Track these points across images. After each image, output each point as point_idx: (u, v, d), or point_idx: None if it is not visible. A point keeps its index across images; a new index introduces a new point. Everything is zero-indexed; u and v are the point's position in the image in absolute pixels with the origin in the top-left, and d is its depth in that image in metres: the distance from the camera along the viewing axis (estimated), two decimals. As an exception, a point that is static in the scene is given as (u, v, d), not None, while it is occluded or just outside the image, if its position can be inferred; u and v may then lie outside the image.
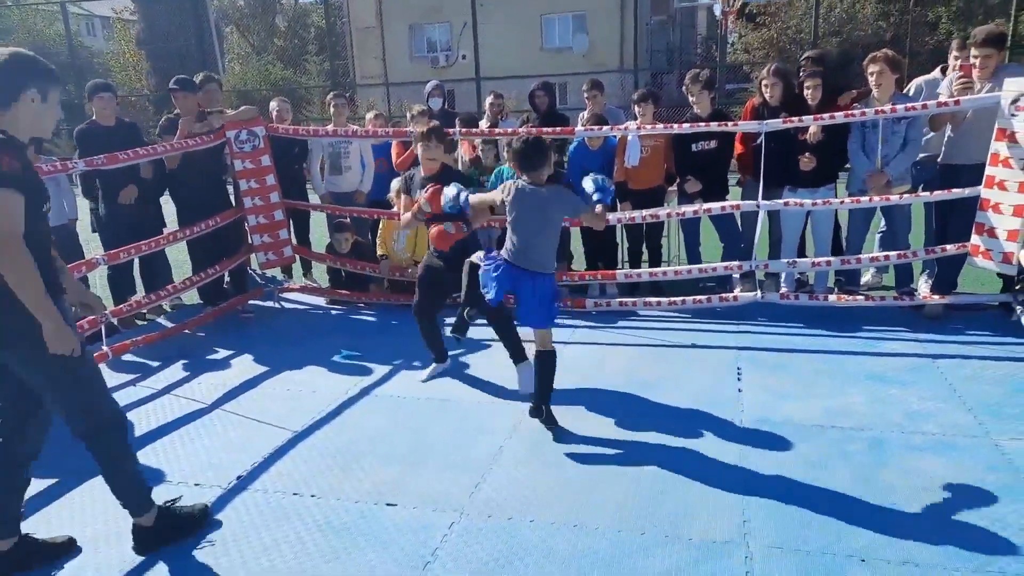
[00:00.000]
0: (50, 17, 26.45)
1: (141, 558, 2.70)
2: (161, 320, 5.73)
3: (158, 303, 5.36)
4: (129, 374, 4.57)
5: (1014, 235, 4.34)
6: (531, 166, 3.39)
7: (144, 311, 5.47)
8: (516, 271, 3.41)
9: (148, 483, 2.80)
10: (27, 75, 2.38)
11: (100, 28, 36.00)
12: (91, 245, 5.82)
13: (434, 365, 4.34)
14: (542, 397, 3.56)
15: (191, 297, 5.84)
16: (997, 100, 4.30)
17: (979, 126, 4.51)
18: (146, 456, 3.47)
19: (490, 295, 3.43)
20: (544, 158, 3.40)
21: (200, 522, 2.86)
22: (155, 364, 4.73)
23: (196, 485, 3.20)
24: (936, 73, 5.39)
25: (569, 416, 3.68)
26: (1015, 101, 4.22)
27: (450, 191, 3.61)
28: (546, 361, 3.52)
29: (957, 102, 4.48)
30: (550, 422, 3.56)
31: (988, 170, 4.40)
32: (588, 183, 3.51)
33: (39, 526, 2.89)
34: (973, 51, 4.54)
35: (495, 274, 3.41)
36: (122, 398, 4.19)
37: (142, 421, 3.90)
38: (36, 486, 3.00)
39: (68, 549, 2.77)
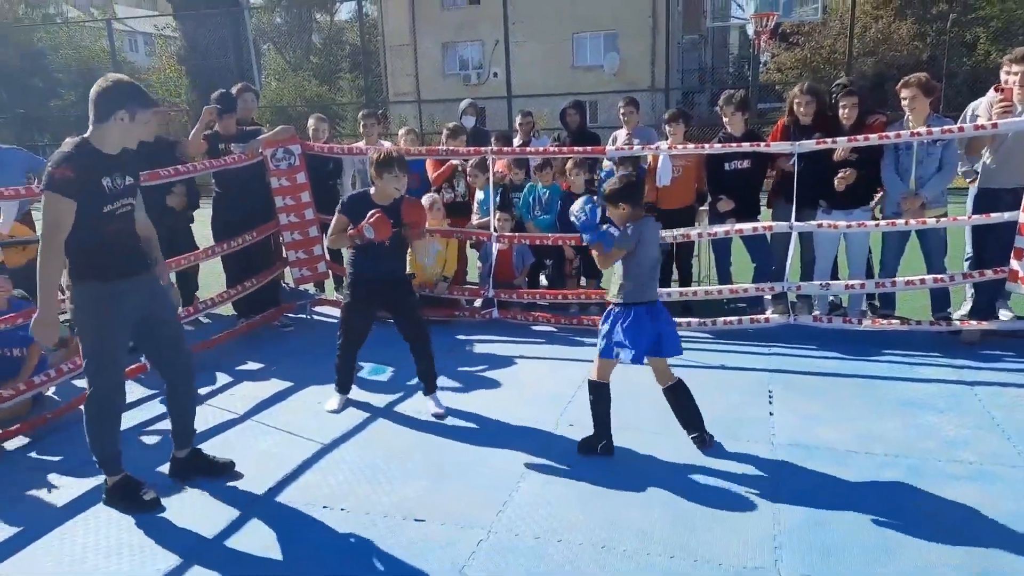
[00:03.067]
0: (96, 34, 27.31)
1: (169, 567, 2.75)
2: (193, 332, 5.83)
3: (196, 316, 5.46)
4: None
5: (1055, 261, 4.25)
6: (638, 199, 3.44)
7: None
8: (653, 308, 3.37)
9: (118, 451, 3.15)
10: (122, 98, 2.85)
11: (142, 44, 37.06)
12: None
13: (342, 396, 4.23)
14: (698, 424, 3.52)
15: (225, 309, 5.94)
16: (1039, 123, 4.23)
17: (1020, 149, 4.44)
18: (180, 465, 3.54)
19: (628, 356, 3.32)
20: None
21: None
22: (190, 374, 4.81)
23: (229, 496, 3.24)
24: (991, 94, 5.26)
25: (597, 436, 3.68)
26: (1057, 124, 4.15)
27: (583, 204, 3.37)
28: (683, 389, 3.51)
29: (995, 125, 4.42)
30: (705, 440, 3.51)
31: (1029, 195, 4.32)
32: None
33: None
34: (1013, 68, 4.47)
35: (630, 328, 3.31)
36: (156, 408, 4.29)
37: (177, 430, 3.97)
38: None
39: (229, 469, 3.38)
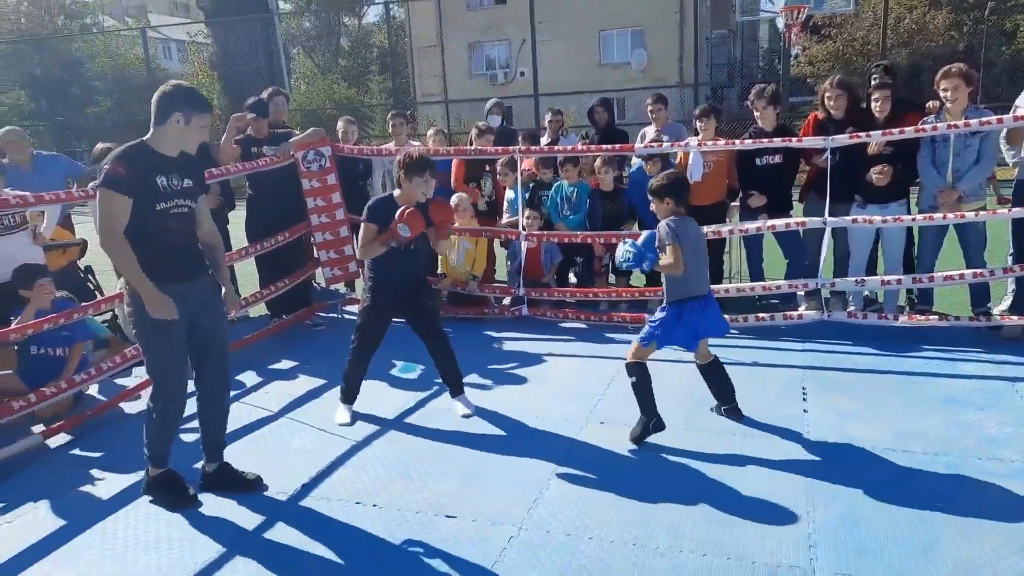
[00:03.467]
0: (131, 41, 27.90)
1: (205, 563, 2.80)
2: (230, 332, 5.93)
3: (234, 316, 5.54)
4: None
5: (1100, 254, 4.13)
6: (684, 197, 3.57)
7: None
8: (702, 301, 3.52)
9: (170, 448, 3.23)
10: (177, 102, 2.96)
11: (175, 51, 37.77)
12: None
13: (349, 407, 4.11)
14: (730, 398, 3.76)
15: (257, 310, 6.04)
16: (1081, 112, 4.12)
17: (1062, 140, 4.32)
18: (217, 462, 3.60)
19: (666, 342, 3.57)
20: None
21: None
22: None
23: (265, 491, 3.30)
24: None
25: (627, 435, 3.67)
26: (1101, 113, 4.03)
27: (627, 248, 3.50)
28: (718, 366, 3.75)
29: (1037, 115, 4.31)
30: (736, 412, 3.75)
31: (1071, 186, 4.21)
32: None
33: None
34: None
35: (670, 323, 3.50)
36: (192, 406, 4.35)
37: (213, 428, 4.04)
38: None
39: (257, 484, 3.29)
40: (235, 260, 5.39)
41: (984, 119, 4.47)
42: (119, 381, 4.69)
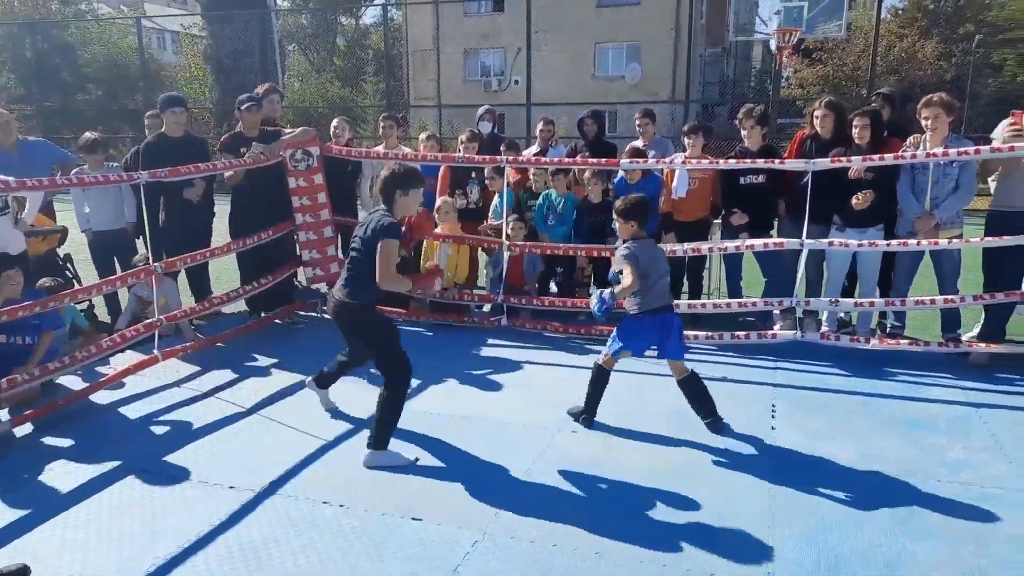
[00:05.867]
0: (124, 31, 27.72)
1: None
2: (204, 326, 5.91)
3: (211, 310, 5.53)
4: (177, 376, 4.74)
5: (1067, 286, 4.22)
6: (646, 220, 3.83)
7: (193, 319, 5.66)
8: (665, 315, 3.74)
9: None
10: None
11: (170, 42, 37.58)
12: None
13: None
14: (710, 410, 3.84)
15: (236, 306, 6.02)
16: (1054, 148, 4.21)
17: (1033, 173, 4.42)
18: (185, 455, 3.61)
19: (630, 350, 3.79)
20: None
21: None
22: (201, 368, 4.88)
23: (231, 488, 3.29)
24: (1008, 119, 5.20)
25: (599, 444, 3.70)
26: (1072, 149, 4.13)
27: (595, 300, 3.70)
28: (695, 380, 3.86)
29: (1012, 148, 4.40)
30: (717, 425, 3.84)
31: (1042, 218, 4.30)
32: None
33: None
34: None
35: (631, 332, 3.75)
36: (168, 398, 4.37)
37: (184, 422, 4.04)
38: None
39: None
40: (217, 256, 5.38)
41: (961, 148, 4.56)
42: (98, 370, 4.67)
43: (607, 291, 3.67)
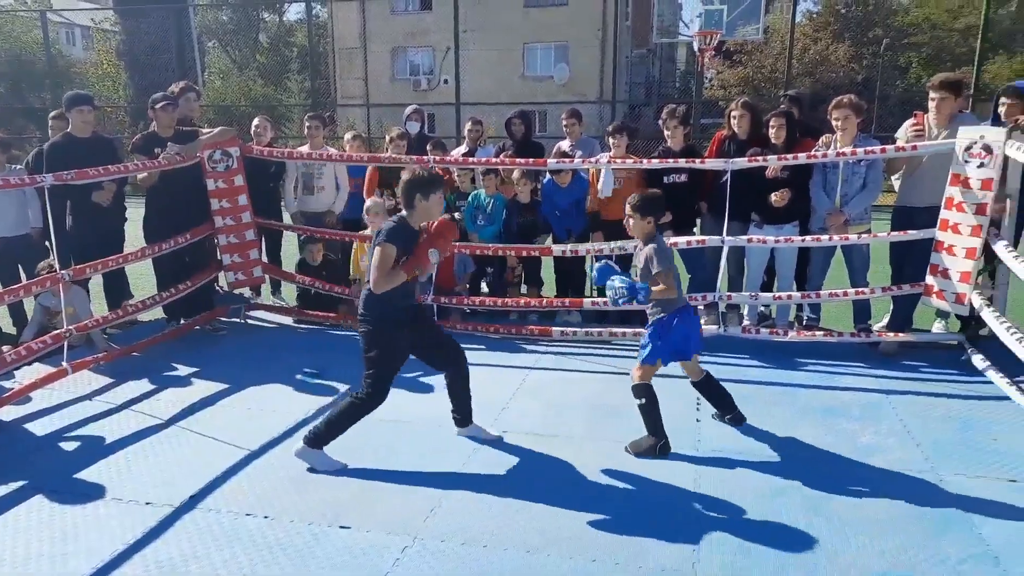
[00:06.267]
0: (29, 24, 26.25)
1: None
2: (120, 335, 5.66)
3: (126, 319, 5.30)
4: (88, 388, 4.51)
5: (967, 276, 4.48)
6: (661, 216, 3.76)
7: (107, 328, 5.40)
8: (690, 311, 3.69)
9: None
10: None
11: (80, 37, 35.81)
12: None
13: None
14: (731, 406, 3.91)
15: (154, 314, 5.78)
16: (952, 147, 4.46)
17: (933, 170, 4.67)
18: (98, 471, 3.44)
19: (662, 356, 3.65)
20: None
21: None
22: (115, 380, 4.66)
23: (147, 504, 3.16)
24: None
25: (530, 441, 3.71)
26: (968, 148, 4.38)
27: (619, 286, 3.50)
28: (711, 381, 3.88)
29: (914, 147, 4.64)
30: (739, 420, 3.90)
31: (943, 213, 4.55)
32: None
33: None
34: (931, 94, 4.73)
35: (674, 329, 3.60)
36: (79, 412, 4.15)
37: (96, 437, 3.85)
38: None
39: None
40: (131, 261, 5.15)
41: (869, 148, 4.79)
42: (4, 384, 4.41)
43: (639, 283, 3.50)
